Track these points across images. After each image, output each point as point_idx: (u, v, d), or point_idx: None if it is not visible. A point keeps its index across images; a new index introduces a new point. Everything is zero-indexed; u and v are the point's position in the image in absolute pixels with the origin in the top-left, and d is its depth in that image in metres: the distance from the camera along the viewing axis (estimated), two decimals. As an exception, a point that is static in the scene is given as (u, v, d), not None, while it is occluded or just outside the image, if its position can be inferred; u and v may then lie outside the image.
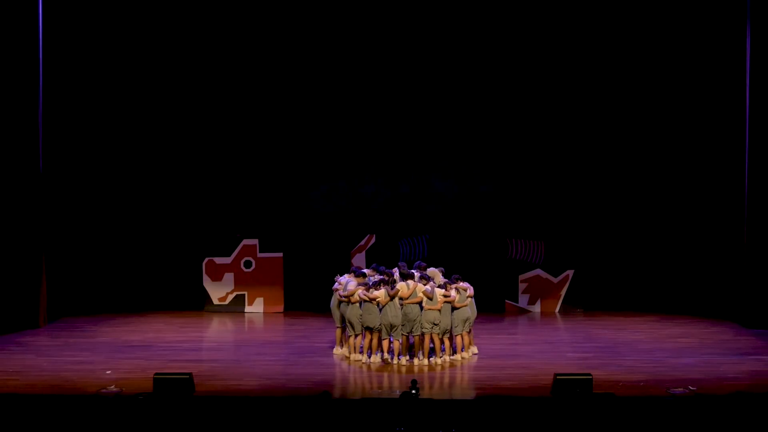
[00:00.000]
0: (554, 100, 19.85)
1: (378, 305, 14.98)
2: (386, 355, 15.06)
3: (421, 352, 15.12)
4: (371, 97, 19.92)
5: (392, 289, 14.99)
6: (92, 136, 19.71)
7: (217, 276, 19.62)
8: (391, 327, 14.94)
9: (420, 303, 14.99)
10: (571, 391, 12.64)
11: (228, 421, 11.30)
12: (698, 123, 19.36)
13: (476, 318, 15.55)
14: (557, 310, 19.67)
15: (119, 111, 19.78)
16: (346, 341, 15.56)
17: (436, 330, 15.05)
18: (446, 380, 14.51)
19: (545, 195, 20.03)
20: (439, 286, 15.22)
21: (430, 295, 14.96)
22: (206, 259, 19.61)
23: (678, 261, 19.63)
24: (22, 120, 17.60)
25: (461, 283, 15.31)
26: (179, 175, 20.00)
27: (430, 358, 15.12)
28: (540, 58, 19.72)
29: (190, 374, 13.09)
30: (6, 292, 17.58)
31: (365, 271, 15.64)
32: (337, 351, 15.67)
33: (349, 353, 15.31)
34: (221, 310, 19.58)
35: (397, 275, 15.47)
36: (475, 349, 15.65)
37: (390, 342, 15.05)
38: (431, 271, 15.74)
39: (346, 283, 15.37)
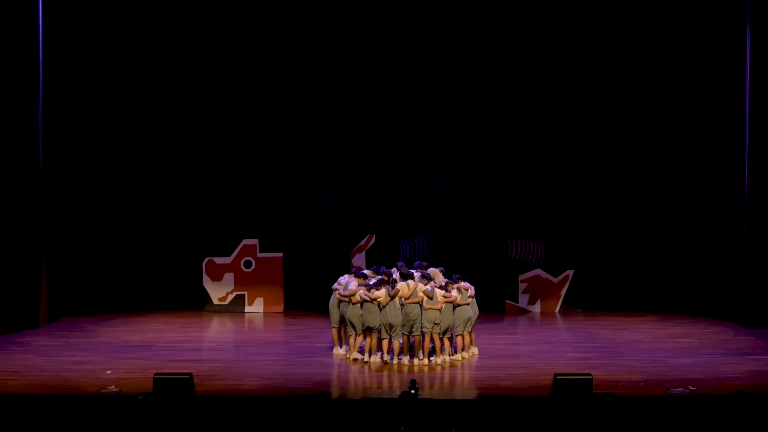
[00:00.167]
0: (554, 100, 19.85)
1: (379, 305, 14.98)
2: (386, 356, 15.06)
3: (421, 351, 15.12)
4: (371, 97, 19.91)
5: (392, 289, 14.99)
6: (92, 136, 19.71)
7: (217, 276, 19.62)
8: (391, 327, 14.94)
9: (420, 303, 14.99)
10: (571, 391, 12.64)
11: (228, 421, 11.30)
12: (698, 123, 19.36)
13: (477, 318, 15.55)
14: (557, 310, 19.67)
15: (119, 111, 19.78)
16: (345, 341, 15.57)
17: (437, 330, 15.05)
18: (446, 380, 14.50)
19: (545, 195, 20.02)
20: (440, 287, 15.23)
21: (430, 295, 14.96)
22: (206, 259, 19.61)
23: (678, 261, 19.63)
24: (22, 120, 17.59)
25: (462, 283, 15.32)
26: (179, 176, 20.00)
27: (431, 358, 15.13)
28: (540, 58, 19.71)
29: (190, 374, 13.09)
30: (6, 292, 17.58)
31: (366, 272, 15.64)
32: (337, 351, 15.67)
33: (350, 353, 15.31)
34: (221, 310, 19.58)
35: (396, 275, 15.48)
36: (475, 350, 15.65)
37: (390, 342, 15.05)
38: (432, 271, 15.74)
39: (346, 283, 15.37)
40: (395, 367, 14.92)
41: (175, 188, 20.00)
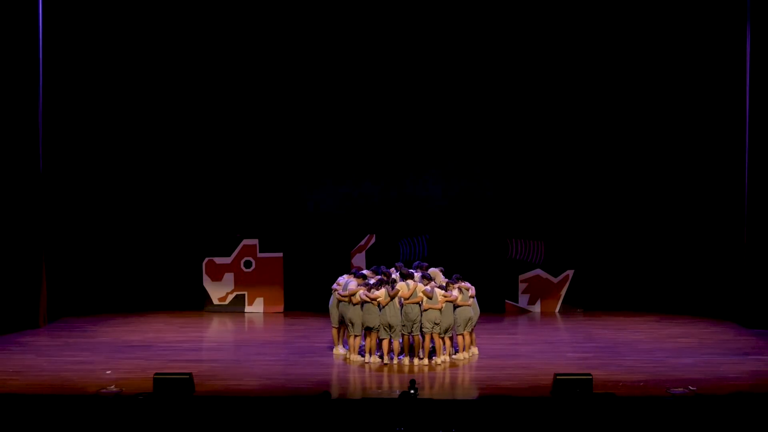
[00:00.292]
0: (554, 100, 19.84)
1: (378, 305, 14.98)
2: (386, 356, 15.06)
3: (421, 351, 15.12)
4: (371, 97, 19.91)
5: (392, 289, 14.99)
6: (92, 136, 19.70)
7: (217, 276, 19.62)
8: (390, 327, 14.94)
9: (420, 303, 14.99)
10: (571, 391, 12.64)
11: (228, 421, 11.30)
12: (698, 123, 19.35)
13: (478, 318, 15.55)
14: (557, 310, 19.67)
15: (119, 111, 19.78)
16: (344, 341, 15.57)
17: (437, 330, 15.05)
18: (446, 380, 14.50)
19: (545, 195, 20.02)
20: (440, 287, 15.23)
21: (430, 295, 14.96)
22: (206, 259, 19.61)
23: (678, 261, 19.63)
24: (22, 120, 17.59)
25: (463, 283, 15.32)
26: (179, 175, 19.99)
27: (431, 359, 15.12)
28: (540, 59, 19.71)
29: (190, 374, 13.09)
30: (6, 292, 17.57)
31: (365, 272, 15.64)
32: (337, 351, 15.67)
33: (349, 354, 15.31)
34: (221, 310, 19.58)
35: (396, 275, 15.48)
36: (475, 350, 15.65)
37: (390, 342, 15.04)
38: (432, 271, 15.74)
39: (345, 283, 15.37)
40: (395, 367, 14.92)
41: (175, 188, 20.00)
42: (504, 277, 19.67)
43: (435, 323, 15.00)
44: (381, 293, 14.95)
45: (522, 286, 19.69)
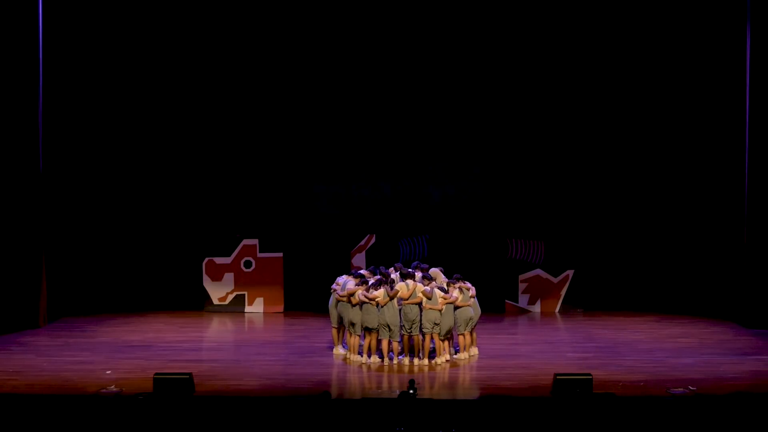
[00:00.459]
0: (554, 100, 19.84)
1: (377, 305, 14.97)
2: (385, 356, 15.06)
3: (421, 351, 15.11)
4: (371, 97, 19.91)
5: (392, 289, 14.98)
6: (92, 136, 19.70)
7: (217, 276, 19.61)
8: (389, 327, 14.93)
9: (419, 303, 14.98)
10: (571, 391, 12.64)
11: (228, 421, 11.30)
12: (698, 123, 19.35)
13: (479, 318, 15.54)
14: (557, 310, 19.66)
15: (119, 111, 19.78)
16: (343, 341, 15.57)
17: (437, 330, 15.04)
18: (446, 380, 14.50)
19: (545, 195, 20.02)
20: (440, 288, 15.21)
21: (429, 295, 14.95)
22: (206, 259, 19.61)
23: (677, 261, 19.63)
24: (22, 120, 17.60)
25: (463, 283, 15.31)
26: (179, 175, 20.00)
27: (431, 359, 15.12)
28: (541, 59, 19.71)
29: (190, 374, 13.09)
30: (6, 292, 17.58)
31: (363, 272, 15.62)
32: (337, 351, 15.67)
33: (349, 353, 15.31)
34: (221, 310, 19.57)
35: (395, 275, 15.47)
36: (475, 350, 15.65)
37: (389, 342, 15.04)
38: (433, 271, 15.73)
39: (344, 283, 15.37)
40: (395, 367, 14.92)
41: (175, 188, 20.00)
42: (504, 277, 19.67)
43: (435, 323, 14.99)
44: (380, 293, 14.95)
45: (522, 286, 19.69)
